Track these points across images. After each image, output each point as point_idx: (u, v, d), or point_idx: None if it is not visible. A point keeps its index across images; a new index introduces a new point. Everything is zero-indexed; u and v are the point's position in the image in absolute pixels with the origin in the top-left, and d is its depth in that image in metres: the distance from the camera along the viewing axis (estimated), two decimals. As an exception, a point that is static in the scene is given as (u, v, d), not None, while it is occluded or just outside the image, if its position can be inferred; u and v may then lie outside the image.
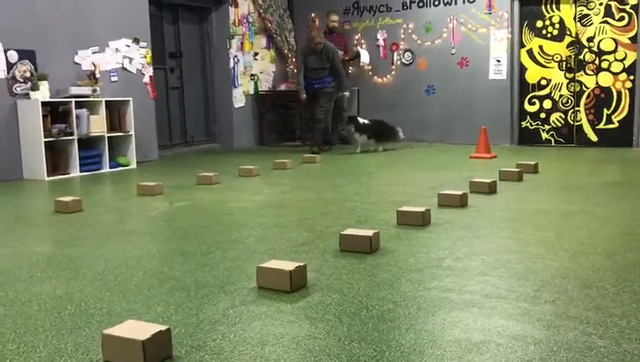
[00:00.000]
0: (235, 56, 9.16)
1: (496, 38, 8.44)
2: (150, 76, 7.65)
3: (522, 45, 8.33)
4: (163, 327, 1.86)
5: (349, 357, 1.82)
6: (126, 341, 1.80)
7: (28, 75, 6.29)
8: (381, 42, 9.32)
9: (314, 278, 2.58)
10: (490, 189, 4.60)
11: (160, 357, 1.82)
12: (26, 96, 6.23)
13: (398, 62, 9.23)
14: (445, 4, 8.75)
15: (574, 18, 7.94)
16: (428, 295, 2.36)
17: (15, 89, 6.22)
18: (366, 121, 7.94)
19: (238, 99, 9.26)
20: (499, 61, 8.43)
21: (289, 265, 2.48)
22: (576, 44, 7.94)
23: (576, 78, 8.00)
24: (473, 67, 8.60)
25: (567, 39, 8.00)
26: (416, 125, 9.05)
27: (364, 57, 9.22)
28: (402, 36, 9.14)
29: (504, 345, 1.87)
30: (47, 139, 6.13)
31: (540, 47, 8.21)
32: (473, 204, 4.16)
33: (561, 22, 8.03)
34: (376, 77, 9.43)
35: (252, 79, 9.50)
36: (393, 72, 9.29)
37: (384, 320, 2.11)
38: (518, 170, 5.29)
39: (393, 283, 2.50)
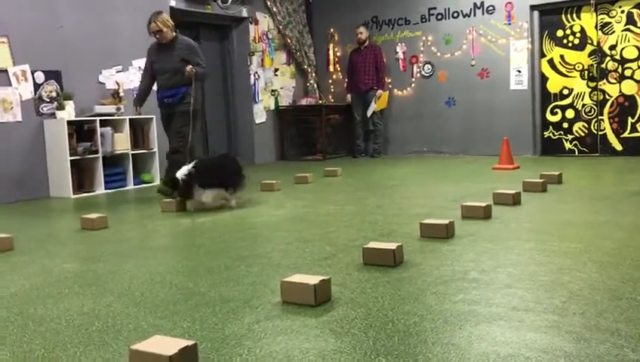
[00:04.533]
0: (256, 73, 9.25)
1: (516, 48, 8.40)
2: (172, 94, 7.73)
3: (543, 55, 8.28)
4: (190, 342, 1.87)
5: (376, 371, 1.81)
6: (153, 356, 1.81)
7: (54, 94, 6.42)
8: (400, 55, 9.34)
9: (338, 292, 2.57)
10: (514, 200, 4.55)
11: (187, 372, 1.83)
12: (52, 115, 6.36)
13: (418, 75, 9.23)
14: (464, 16, 8.74)
15: (595, 26, 7.88)
16: (454, 308, 2.33)
17: (42, 109, 6.35)
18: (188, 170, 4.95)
19: (259, 115, 9.33)
20: (519, 71, 8.39)
21: (313, 279, 2.48)
22: (598, 53, 7.87)
23: (599, 87, 7.92)
24: (494, 78, 8.56)
25: (589, 48, 7.93)
26: (437, 137, 9.04)
27: (370, 108, 9.21)
28: (422, 49, 9.15)
29: (533, 359, 1.84)
30: (72, 158, 6.24)
31: (561, 56, 8.15)
32: (497, 215, 4.13)
33: (582, 30, 7.97)
34: (396, 90, 9.43)
35: (272, 95, 9.57)
36: (413, 85, 9.29)
37: (410, 334, 2.09)
38: (541, 180, 5.24)
39: (418, 297, 2.48)
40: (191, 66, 5.51)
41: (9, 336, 2.25)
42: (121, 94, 6.96)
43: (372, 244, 3.08)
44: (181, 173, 4.90)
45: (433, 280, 2.71)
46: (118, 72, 7.06)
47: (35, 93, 6.31)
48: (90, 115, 6.53)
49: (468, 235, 3.57)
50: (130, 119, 6.76)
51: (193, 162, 5.03)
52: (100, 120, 6.49)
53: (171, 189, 4.95)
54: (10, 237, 3.84)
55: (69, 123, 6.27)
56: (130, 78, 7.20)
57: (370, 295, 2.54)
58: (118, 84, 7.00)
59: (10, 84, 6.12)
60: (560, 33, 8.12)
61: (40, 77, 6.34)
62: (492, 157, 7.48)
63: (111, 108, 6.68)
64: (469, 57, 8.74)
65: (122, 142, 6.70)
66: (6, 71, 6.09)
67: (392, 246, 2.99)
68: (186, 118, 5.64)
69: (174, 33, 5.68)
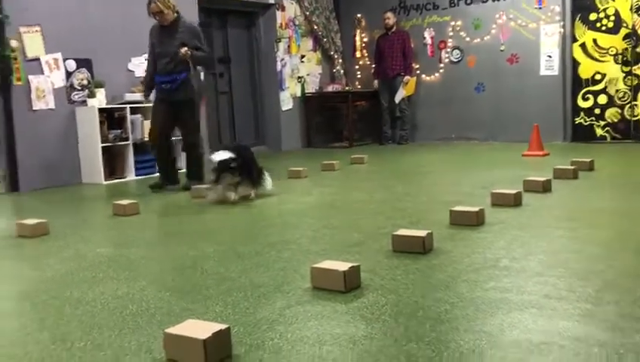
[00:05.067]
0: (282, 59, 9.24)
1: (546, 32, 8.24)
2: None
3: (575, 39, 8.10)
4: (223, 326, 1.89)
5: (408, 357, 1.82)
6: (187, 339, 1.84)
7: (85, 82, 6.52)
8: (428, 40, 9.24)
9: (368, 279, 2.58)
10: (545, 188, 4.49)
11: (220, 355, 1.86)
12: (84, 103, 6.46)
13: (447, 60, 9.12)
14: (494, 0, 8.60)
15: (630, 9, 7.67)
16: (485, 295, 2.32)
17: (73, 97, 6.45)
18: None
19: (286, 102, 9.34)
20: (550, 57, 8.23)
21: (343, 266, 2.49)
22: (633, 37, 7.67)
23: (634, 72, 7.73)
24: (523, 63, 8.42)
25: (623, 31, 7.73)
26: (466, 123, 8.94)
27: (399, 95, 9.14)
28: (450, 34, 9.04)
29: (567, 347, 1.83)
30: (104, 145, 6.34)
31: (594, 40, 7.96)
32: (528, 202, 4.08)
33: (617, 14, 7.77)
34: (423, 75, 9.35)
35: (299, 82, 9.56)
36: (441, 70, 9.19)
37: (441, 321, 2.09)
38: (573, 167, 5.15)
39: (449, 284, 2.48)
40: (185, 48, 5.20)
41: (48, 319, 2.31)
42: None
43: (401, 231, 3.07)
44: (224, 156, 4.57)
45: (464, 268, 2.69)
46: (146, 59, 7.11)
47: (67, 81, 6.41)
48: (121, 102, 6.61)
49: (498, 223, 3.54)
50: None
51: (230, 151, 4.68)
52: (130, 107, 6.57)
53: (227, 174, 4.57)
54: (46, 223, 3.93)
55: (100, 110, 6.36)
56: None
57: (400, 282, 2.54)
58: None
59: (43, 73, 6.23)
60: (593, 16, 7.93)
61: (71, 65, 6.43)
62: (521, 143, 7.38)
63: (140, 96, 6.75)
64: (499, 42, 8.60)
65: (152, 130, 6.76)
66: (39, 59, 6.19)
67: (422, 233, 2.98)
68: (193, 107, 5.41)
69: (176, 15, 5.37)
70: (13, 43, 5.98)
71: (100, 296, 2.57)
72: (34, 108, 6.16)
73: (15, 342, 2.10)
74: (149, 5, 5.27)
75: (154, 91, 5.56)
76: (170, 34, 5.34)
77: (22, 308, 2.46)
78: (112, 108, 6.53)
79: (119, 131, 6.50)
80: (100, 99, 6.45)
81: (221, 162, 4.55)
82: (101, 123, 6.34)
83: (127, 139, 6.54)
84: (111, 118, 6.53)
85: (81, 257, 3.28)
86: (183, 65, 5.28)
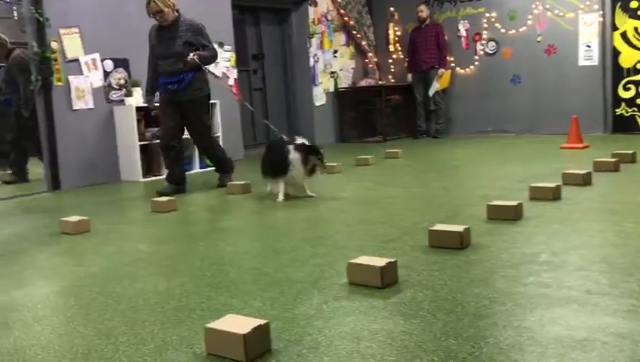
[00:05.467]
0: (315, 55, 9.25)
1: (585, 22, 8.05)
2: (235, 79, 7.88)
3: (615, 28, 7.89)
4: (262, 321, 1.92)
5: (447, 353, 1.81)
6: (228, 334, 1.87)
7: (122, 82, 6.65)
8: (463, 33, 9.12)
9: (405, 274, 2.57)
10: (585, 181, 4.40)
11: (260, 350, 1.88)
12: (121, 102, 6.59)
13: (482, 52, 9.00)
14: (530, -10, 8.44)
15: (673, -4, 7.44)
16: (525, 291, 2.29)
17: (111, 96, 6.59)
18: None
19: (319, 97, 9.35)
20: (589, 46, 8.04)
21: (379, 261, 2.49)
22: (676, 24, 7.44)
23: (677, 60, 7.49)
24: (561, 54, 8.25)
25: (666, 19, 7.51)
26: (502, 116, 8.82)
27: (433, 88, 9.04)
28: (485, 25, 8.91)
29: (610, 344, 1.79)
30: (141, 143, 6.46)
31: (635, 28, 7.75)
32: (567, 196, 4.00)
33: (659, 1, 7.54)
34: (458, 68, 9.24)
35: (332, 77, 9.56)
36: (476, 63, 9.07)
37: (480, 316, 2.07)
38: (614, 159, 5.03)
39: (487, 279, 2.45)
40: (192, 55, 5.07)
41: (92, 314, 2.37)
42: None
43: (438, 226, 3.05)
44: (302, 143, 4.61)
45: (502, 263, 2.66)
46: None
47: (105, 81, 6.55)
48: (157, 101, 6.70)
49: (537, 217, 3.49)
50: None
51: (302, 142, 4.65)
52: (166, 105, 6.66)
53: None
54: (87, 220, 4.03)
55: (138, 109, 6.48)
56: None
57: (438, 277, 2.52)
58: (182, 70, 7.16)
59: (82, 73, 6.38)
60: (634, 4, 7.70)
61: (109, 65, 6.57)
62: (560, 136, 7.24)
63: (143, 102, 6.83)
64: (535, 33, 8.44)
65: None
66: (78, 60, 6.34)
67: (459, 228, 2.96)
68: (203, 108, 5.31)
69: (176, 14, 5.18)
70: (54, 45, 6.14)
71: (141, 291, 2.62)
72: (74, 108, 6.31)
73: (62, 336, 2.17)
74: (148, 5, 5.11)
75: (156, 95, 5.46)
76: (171, 34, 5.15)
77: (67, 303, 2.54)
78: (148, 106, 6.63)
79: (156, 129, 6.60)
80: (136, 98, 6.57)
81: (306, 146, 4.60)
82: (138, 121, 6.46)
83: (163, 136, 6.64)
84: (148, 117, 6.64)
85: (122, 253, 3.35)
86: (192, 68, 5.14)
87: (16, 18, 10.30)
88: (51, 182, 6.19)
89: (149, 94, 5.53)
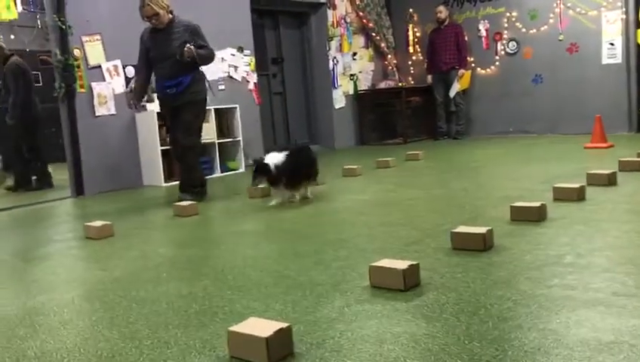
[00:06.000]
0: (334, 58, 9.26)
1: (608, 20, 7.93)
2: (255, 83, 7.91)
3: (639, 25, 7.76)
4: (284, 324, 1.92)
5: (471, 356, 1.79)
6: (251, 337, 1.87)
7: (144, 88, 6.71)
8: (483, 33, 9.06)
9: (427, 277, 2.55)
10: (610, 181, 4.33)
11: (282, 353, 1.88)
12: (143, 108, 6.65)
13: (502, 52, 8.93)
14: (551, -11, 8.35)
15: (699, -9, 7.30)
16: (549, 293, 2.26)
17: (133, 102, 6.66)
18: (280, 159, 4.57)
19: (338, 100, 9.35)
20: (612, 44, 7.93)
21: (402, 264, 2.47)
22: (702, 20, 7.30)
23: None
24: (584, 52, 8.15)
25: (691, 15, 7.37)
26: (523, 116, 8.74)
27: (453, 89, 8.99)
28: (505, 25, 8.84)
29: (638, 346, 1.76)
30: (163, 148, 6.51)
31: (660, 25, 7.62)
32: (591, 197, 3.94)
33: (684, -3, 7.41)
34: (479, 68, 9.17)
35: (351, 79, 9.56)
36: (497, 63, 9.00)
37: (504, 319, 2.05)
38: (639, 159, 4.95)
39: (511, 282, 2.43)
40: (189, 45, 4.84)
41: (116, 317, 2.40)
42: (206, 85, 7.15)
43: (460, 228, 3.03)
44: (273, 160, 4.50)
45: (526, 265, 2.63)
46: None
47: (127, 87, 6.63)
48: (145, 103, 6.74)
49: (561, 218, 3.44)
50: (215, 109, 6.96)
51: (284, 152, 4.58)
52: (187, 110, 6.72)
53: (262, 176, 4.52)
54: (111, 225, 4.08)
55: (159, 114, 6.53)
56: (214, 69, 7.40)
57: (461, 280, 2.50)
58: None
59: (104, 79, 6.46)
60: (658, 1, 7.59)
61: (130, 71, 6.64)
62: (583, 135, 7.14)
63: (129, 106, 6.86)
64: (557, 32, 8.35)
65: (208, 132, 6.90)
66: (100, 67, 6.43)
67: (482, 230, 2.93)
68: (197, 109, 5.07)
69: (170, 15, 5.01)
70: (76, 52, 6.23)
71: (164, 294, 2.64)
72: (97, 115, 6.40)
73: (87, 339, 2.19)
74: (142, 9, 4.95)
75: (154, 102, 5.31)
76: (166, 36, 4.98)
77: (92, 307, 2.57)
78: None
79: (177, 134, 6.65)
80: (157, 104, 6.62)
81: (257, 162, 4.55)
82: (160, 127, 6.52)
83: (185, 141, 6.69)
84: (169, 122, 6.69)
85: (145, 257, 3.39)
86: (188, 66, 4.94)
87: (39, 27, 10.50)
88: (75, 187, 6.28)
89: (136, 99, 5.42)
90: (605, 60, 8.01)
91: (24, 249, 3.96)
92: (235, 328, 1.94)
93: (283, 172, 4.48)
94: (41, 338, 2.23)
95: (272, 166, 4.47)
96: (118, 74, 6.56)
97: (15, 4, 6.22)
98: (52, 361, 2.01)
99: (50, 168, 7.49)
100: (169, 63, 4.98)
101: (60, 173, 7.27)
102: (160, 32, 5.02)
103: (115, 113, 6.53)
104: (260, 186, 4.74)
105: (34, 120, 7.09)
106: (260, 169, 4.51)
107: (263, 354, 1.84)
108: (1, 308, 2.64)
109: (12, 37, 10.29)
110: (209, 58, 5.09)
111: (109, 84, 6.49)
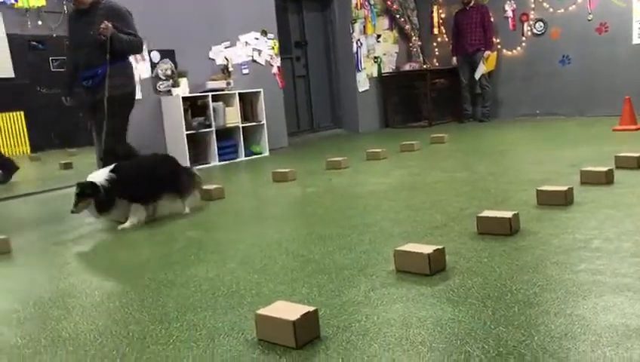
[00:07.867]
0: (358, 40, 9.20)
1: (639, -2, 7.74)
2: (278, 66, 7.91)
3: (672, 3, 7.57)
4: (311, 308, 1.94)
5: (497, 341, 1.80)
6: (278, 321, 1.90)
7: (169, 72, 6.77)
8: (509, 13, 8.91)
9: (453, 261, 2.55)
10: (639, 164, 4.26)
11: (309, 336, 1.91)
12: (168, 92, 6.72)
13: (529, 33, 8.77)
14: (580, -33, 8.16)
15: None
16: (576, 278, 2.25)
17: (158, 86, 6.72)
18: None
19: (362, 83, 9.31)
20: (643, 23, 7.73)
21: (427, 248, 2.48)
22: None
23: None
24: (613, 32, 7.96)
25: None
26: (550, 98, 8.60)
27: (479, 71, 8.86)
28: (532, 5, 8.67)
29: (667, 332, 1.74)
30: (188, 132, 6.58)
31: (694, 3, 7.41)
32: (620, 180, 3.88)
33: None
34: (505, 50, 9.03)
35: (375, 62, 9.50)
36: (523, 44, 8.85)
37: (530, 304, 2.05)
38: (671, 141, 4.85)
39: (537, 266, 2.42)
40: (106, 23, 4.21)
41: (146, 299, 2.45)
42: (230, 69, 7.19)
43: (486, 213, 3.01)
44: (99, 178, 3.72)
45: (553, 249, 2.61)
46: (226, 47, 7.30)
47: (153, 72, 6.68)
48: (203, 90, 6.82)
49: (588, 202, 3.40)
50: (239, 93, 6.99)
51: (110, 166, 3.84)
52: (212, 95, 6.77)
53: (86, 198, 3.70)
54: (139, 208, 4.13)
55: (184, 99, 6.59)
56: (238, 53, 7.42)
57: (487, 264, 2.50)
58: (227, 59, 7.25)
59: (130, 65, 6.51)
60: (692, -22, 7.37)
61: (156, 56, 6.69)
62: (612, 117, 7.00)
63: (221, 84, 6.94)
64: (586, 12, 8.16)
65: (233, 116, 6.96)
66: (126, 52, 6.48)
67: (508, 214, 2.92)
68: (114, 106, 4.32)
69: None
70: (103, 38, 6.28)
71: (192, 277, 2.69)
72: (123, 99, 6.45)
73: (118, 321, 2.25)
74: None
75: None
76: (87, 18, 4.32)
77: (123, 290, 2.63)
78: (194, 96, 6.75)
79: (202, 118, 6.72)
80: (183, 89, 6.69)
81: (79, 184, 3.76)
82: (185, 111, 6.58)
83: (209, 125, 6.75)
84: (194, 106, 6.75)
85: (173, 240, 3.44)
86: (104, 57, 4.23)
87: (65, 12, 10.60)
88: (103, 171, 6.36)
89: (65, 90, 4.73)
90: (636, 40, 7.83)
91: (49, 233, 4.04)
92: (263, 311, 1.98)
93: (121, 190, 3.76)
94: (74, 320, 2.29)
95: (99, 185, 3.69)
96: (144, 59, 6.61)
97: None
98: (85, 342, 2.07)
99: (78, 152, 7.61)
100: (87, 51, 4.34)
101: (87, 157, 7.38)
102: (82, 13, 4.37)
103: (141, 98, 6.58)
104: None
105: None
106: (84, 191, 3.70)
107: (290, 337, 1.87)
108: (35, 289, 2.72)
109: (39, 23, 10.42)
110: (133, 46, 4.43)
111: (135, 69, 6.53)
